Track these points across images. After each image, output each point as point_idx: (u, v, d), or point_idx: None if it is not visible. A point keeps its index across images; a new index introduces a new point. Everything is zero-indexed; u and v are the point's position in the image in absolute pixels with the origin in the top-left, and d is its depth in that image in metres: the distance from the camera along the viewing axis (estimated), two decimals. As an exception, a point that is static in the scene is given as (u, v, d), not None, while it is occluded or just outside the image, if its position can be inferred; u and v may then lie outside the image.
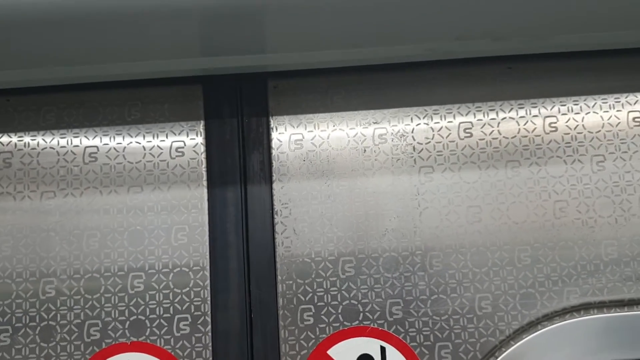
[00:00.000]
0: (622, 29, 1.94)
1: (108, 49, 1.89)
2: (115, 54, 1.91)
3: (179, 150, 2.01)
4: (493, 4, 1.77)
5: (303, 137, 2.02)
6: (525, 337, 1.92)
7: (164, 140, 2.02)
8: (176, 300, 1.93)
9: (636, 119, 2.02)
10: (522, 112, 2.03)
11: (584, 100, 2.04)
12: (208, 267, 1.95)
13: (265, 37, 1.90)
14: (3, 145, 2.02)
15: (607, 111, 2.03)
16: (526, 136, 2.01)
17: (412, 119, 2.03)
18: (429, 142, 2.02)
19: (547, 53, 2.03)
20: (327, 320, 1.93)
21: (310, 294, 1.94)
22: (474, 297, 1.93)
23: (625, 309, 1.93)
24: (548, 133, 2.02)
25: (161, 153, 2.01)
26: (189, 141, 2.02)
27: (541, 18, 1.84)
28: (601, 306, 1.93)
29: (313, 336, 1.92)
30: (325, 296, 1.94)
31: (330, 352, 1.91)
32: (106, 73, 2.00)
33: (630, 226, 1.96)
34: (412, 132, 2.02)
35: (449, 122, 2.02)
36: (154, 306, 1.93)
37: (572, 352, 1.91)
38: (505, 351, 1.91)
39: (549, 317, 1.92)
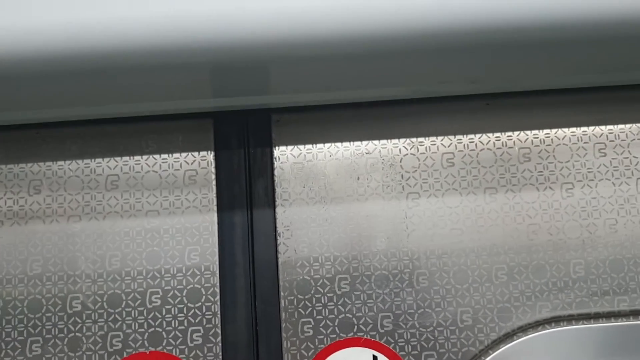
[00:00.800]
0: (589, 73, 2.09)
1: (129, 92, 2.02)
2: (136, 95, 2.05)
3: (192, 178, 2.19)
4: (466, 58, 1.93)
5: (303, 166, 2.18)
6: (502, 346, 2.06)
7: (178, 170, 2.19)
8: (190, 314, 2.10)
9: (601, 150, 2.18)
10: (498, 144, 2.19)
11: (555, 133, 2.19)
12: (218, 284, 2.10)
13: (270, 83, 2.03)
14: (33, 173, 2.19)
15: (575, 143, 2.19)
16: (502, 166, 2.17)
17: (400, 149, 2.19)
18: (416, 170, 2.18)
19: (521, 91, 2.18)
20: (325, 332, 2.09)
21: (310, 309, 2.10)
22: (456, 310, 2.09)
23: (591, 322, 2.08)
24: (522, 163, 2.18)
25: (175, 181, 2.18)
26: (200, 170, 2.19)
27: (513, 67, 1.99)
28: (570, 319, 2.09)
29: (313, 346, 2.07)
30: (323, 310, 2.10)
31: (327, 360, 2.09)
32: (127, 111, 2.15)
33: (596, 247, 2.11)
34: (401, 161, 2.18)
35: (433, 152, 2.19)
36: (170, 319, 2.09)
37: None
38: (484, 359, 2.06)
39: (523, 329, 2.07)
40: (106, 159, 2.20)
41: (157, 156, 2.20)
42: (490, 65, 1.98)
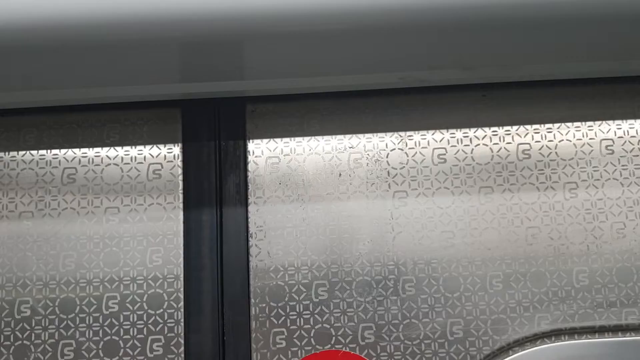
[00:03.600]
0: (596, 60, 1.91)
1: (88, 75, 1.86)
2: (96, 79, 1.88)
3: (157, 172, 1.98)
4: (459, 38, 1.75)
5: (279, 161, 1.99)
6: None
7: (141, 163, 1.99)
8: (150, 322, 1.90)
9: (609, 147, 1.99)
10: (495, 139, 2.00)
11: (558, 128, 2.01)
12: (182, 290, 1.91)
13: (244, 65, 1.87)
14: (-18, 165, 2.00)
15: (580, 139, 2.00)
16: (499, 163, 1.98)
17: (386, 144, 2.00)
18: (403, 167, 1.99)
19: (521, 81, 2.00)
20: (299, 343, 1.89)
21: (283, 317, 1.90)
22: (446, 322, 1.90)
23: (596, 336, 1.89)
24: (521, 160, 1.99)
25: (138, 175, 1.98)
26: (166, 164, 1.99)
27: (511, 50, 1.80)
28: (572, 332, 1.89)
29: (285, 359, 1.88)
30: (298, 319, 1.90)
31: (302, 375, 1.87)
32: (86, 97, 1.97)
33: (602, 253, 1.93)
34: (387, 157, 1.99)
35: (423, 148, 1.99)
36: (128, 327, 1.90)
37: (544, 377, 1.88)
38: None
39: (520, 343, 1.88)
40: (63, 151, 2.02)
41: (119, 148, 2.02)
42: (486, 48, 1.79)
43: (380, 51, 1.79)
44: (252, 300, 1.91)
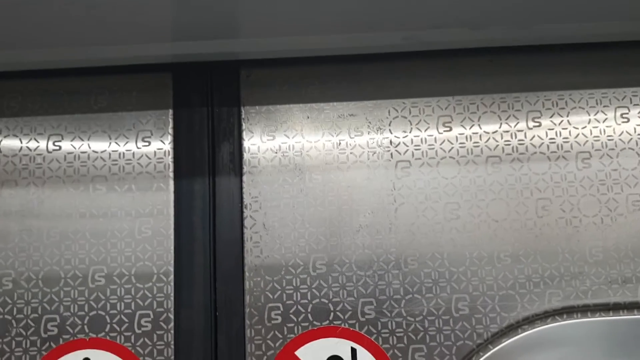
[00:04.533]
0: (610, 20, 1.79)
1: (73, 32, 1.75)
2: (81, 37, 1.77)
3: (146, 140, 1.86)
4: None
5: (276, 129, 1.87)
6: (505, 341, 1.75)
7: (130, 130, 1.87)
8: (138, 296, 1.78)
9: (624, 115, 1.86)
10: (504, 107, 1.87)
11: (570, 95, 1.88)
12: (172, 262, 1.79)
13: (238, 20, 1.75)
14: (-36, 132, 1.88)
15: (593, 107, 1.87)
16: (508, 131, 1.86)
17: (389, 111, 1.88)
18: (407, 135, 1.86)
19: (531, 45, 1.87)
20: (295, 319, 1.77)
21: (279, 292, 1.78)
22: (451, 297, 1.77)
23: (610, 314, 1.77)
24: (531, 128, 1.86)
25: (127, 142, 1.86)
26: (156, 131, 1.87)
27: (522, 5, 1.68)
28: (585, 310, 1.77)
29: (281, 336, 1.76)
30: (294, 294, 1.78)
31: (298, 352, 1.75)
32: (72, 58, 1.85)
33: (617, 226, 1.80)
34: (389, 125, 1.87)
35: (427, 115, 1.87)
36: (115, 301, 1.78)
37: (554, 358, 1.74)
38: (483, 355, 1.75)
39: (530, 321, 1.76)
40: (49, 117, 1.90)
41: (107, 114, 1.89)
42: (494, 3, 1.64)
43: (382, 4, 1.66)
44: (246, 274, 1.79)
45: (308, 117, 1.88)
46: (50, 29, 1.72)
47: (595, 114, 1.87)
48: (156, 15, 1.68)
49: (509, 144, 1.85)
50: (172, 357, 1.75)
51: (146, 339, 1.76)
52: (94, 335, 1.76)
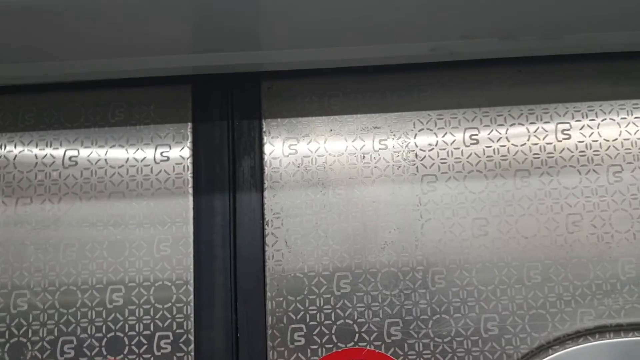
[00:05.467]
0: (641, 29, 1.72)
1: (92, 45, 1.70)
2: (100, 50, 1.72)
3: (164, 154, 1.79)
4: (497, 3, 1.55)
5: (298, 142, 1.80)
6: None
7: (148, 144, 1.80)
8: (157, 317, 1.71)
9: (656, 127, 1.79)
10: (532, 118, 1.80)
11: (600, 106, 1.80)
12: (192, 282, 1.72)
13: (260, 32, 1.70)
14: (-23, 147, 1.82)
15: (624, 118, 1.80)
16: (537, 144, 1.78)
17: (414, 124, 1.80)
18: (432, 149, 1.79)
19: (560, 55, 1.80)
20: (319, 341, 1.70)
21: (302, 312, 1.71)
22: (480, 317, 1.70)
23: (644, 333, 1.71)
24: (560, 141, 1.78)
25: (145, 157, 1.79)
26: (174, 145, 1.80)
27: (553, 15, 1.61)
28: (618, 329, 1.70)
29: (304, 358, 1.69)
30: (318, 315, 1.71)
31: (322, 375, 1.68)
32: (90, 70, 1.79)
33: (650, 242, 1.73)
34: (415, 138, 1.79)
35: (453, 127, 1.80)
36: (134, 322, 1.71)
37: (586, 377, 1.68)
38: None
39: (561, 341, 1.69)
40: (65, 131, 1.83)
41: (124, 128, 1.83)
42: (523, 11, 1.56)
43: (409, 15, 1.60)
44: (268, 294, 1.72)
45: (331, 130, 1.80)
46: (67, 41, 1.67)
47: (626, 126, 1.79)
48: (176, 27, 1.62)
49: (537, 157, 1.78)
50: (193, 380, 1.68)
51: (166, 361, 1.69)
52: (112, 358, 1.70)
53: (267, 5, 1.57)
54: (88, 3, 1.53)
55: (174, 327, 1.71)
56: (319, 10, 1.57)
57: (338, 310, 1.71)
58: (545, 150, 1.78)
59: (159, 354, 1.69)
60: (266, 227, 1.75)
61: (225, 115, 1.81)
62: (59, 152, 1.81)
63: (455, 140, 1.79)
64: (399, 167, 1.78)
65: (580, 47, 1.78)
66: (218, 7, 1.56)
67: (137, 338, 1.70)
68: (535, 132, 1.79)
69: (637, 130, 1.79)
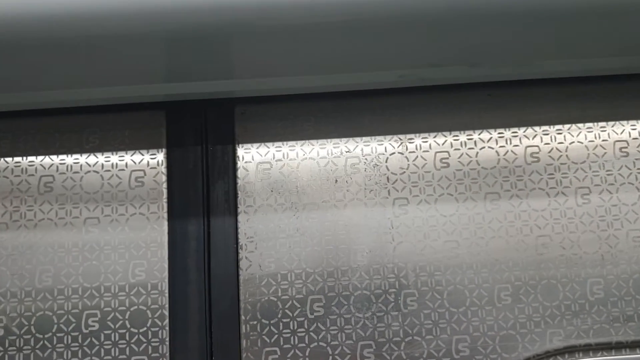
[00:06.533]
0: (607, 56, 1.72)
1: (66, 75, 1.67)
2: (75, 80, 1.69)
3: (139, 180, 1.79)
4: (465, 34, 1.56)
5: (271, 167, 1.80)
6: None
7: (123, 170, 1.79)
8: (133, 341, 1.70)
9: (623, 149, 1.80)
10: (502, 142, 1.80)
11: (568, 129, 1.81)
12: (167, 306, 1.72)
13: (233, 62, 1.68)
14: (-47, 174, 1.81)
15: (592, 141, 1.80)
16: (506, 167, 1.79)
17: (386, 147, 1.81)
18: (404, 172, 1.79)
19: (529, 79, 1.80)
20: (293, 363, 1.70)
21: (276, 336, 1.71)
22: (451, 338, 1.70)
23: (612, 352, 1.70)
24: (530, 164, 1.79)
25: (120, 183, 1.79)
26: (149, 171, 1.79)
27: (520, 45, 1.62)
28: (587, 349, 1.70)
29: (278, 380, 1.70)
30: (292, 338, 1.71)
31: (296, 397, 1.68)
32: (64, 99, 1.78)
33: (618, 263, 1.73)
34: (386, 161, 1.80)
35: (424, 151, 1.80)
36: (109, 347, 1.70)
37: (556, 397, 1.69)
38: None
39: (531, 361, 1.70)
40: (40, 157, 1.82)
41: (99, 154, 1.82)
42: (492, 43, 1.58)
43: (378, 47, 1.60)
44: (242, 317, 1.72)
45: (304, 154, 1.81)
46: (42, 73, 1.64)
47: (594, 149, 1.80)
48: (150, 60, 1.61)
49: (507, 180, 1.79)
50: (168, 404, 1.68)
51: (141, 386, 1.69)
52: (88, 382, 1.69)
53: (239, 38, 1.56)
54: (62, 38, 1.52)
55: (150, 351, 1.70)
56: (290, 43, 1.57)
57: (312, 333, 1.71)
58: (514, 173, 1.79)
59: (135, 378, 1.69)
60: (240, 251, 1.75)
61: (199, 140, 1.81)
62: (34, 179, 1.80)
63: (426, 163, 1.80)
64: (371, 190, 1.79)
65: (549, 72, 1.79)
66: (191, 40, 1.56)
67: (113, 363, 1.70)
68: (504, 155, 1.80)
69: (605, 153, 1.80)
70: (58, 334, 1.71)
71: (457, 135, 1.81)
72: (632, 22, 1.60)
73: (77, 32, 1.53)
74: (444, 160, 1.80)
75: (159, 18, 1.52)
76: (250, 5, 1.51)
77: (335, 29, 1.56)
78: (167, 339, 1.70)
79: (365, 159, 1.80)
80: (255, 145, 1.81)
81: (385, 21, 1.54)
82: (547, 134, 1.81)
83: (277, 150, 1.81)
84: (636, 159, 1.79)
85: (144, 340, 1.70)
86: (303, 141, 1.81)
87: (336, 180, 1.79)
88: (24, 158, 1.81)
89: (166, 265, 1.74)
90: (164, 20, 1.52)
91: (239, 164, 1.80)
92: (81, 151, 1.81)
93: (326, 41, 1.59)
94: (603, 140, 1.80)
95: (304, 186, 1.79)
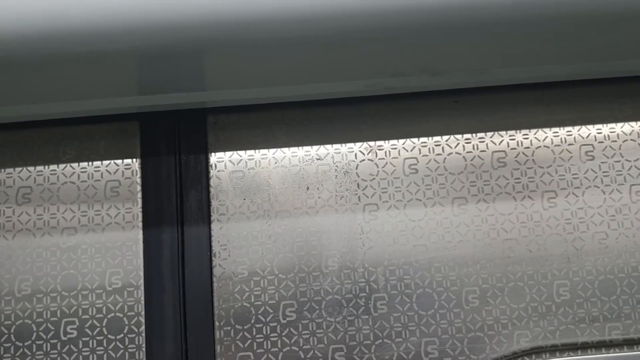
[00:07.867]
0: (572, 62, 1.74)
1: (42, 89, 1.69)
2: (50, 93, 1.71)
3: (114, 190, 1.81)
4: (425, 46, 1.58)
5: (244, 175, 1.82)
6: None
7: (99, 180, 1.82)
8: (110, 348, 1.73)
9: (588, 153, 1.81)
10: (469, 147, 1.82)
11: (534, 134, 1.83)
12: (143, 313, 1.74)
13: (205, 75, 1.70)
14: None
15: (558, 145, 1.82)
16: (473, 172, 1.81)
17: (356, 155, 1.83)
18: (374, 178, 1.81)
19: (495, 86, 1.82)
20: (266, 367, 1.73)
21: (250, 340, 1.73)
22: (420, 341, 1.73)
23: (578, 353, 1.72)
24: (496, 169, 1.81)
25: (96, 193, 1.81)
26: (124, 180, 1.81)
27: (481, 54, 1.63)
28: (554, 350, 1.72)
29: (252, 384, 1.72)
30: (265, 342, 1.73)
31: (269, 400, 1.71)
32: (40, 112, 1.80)
33: (583, 265, 1.75)
34: (357, 168, 1.82)
35: (393, 158, 1.82)
36: (87, 353, 1.73)
37: (524, 396, 1.71)
38: None
39: (499, 362, 1.72)
40: (17, 169, 1.84)
41: (75, 165, 1.84)
42: (453, 53, 1.60)
43: (345, 58, 1.62)
44: (217, 323, 1.74)
45: (276, 162, 1.83)
46: (18, 87, 1.67)
47: (560, 153, 1.82)
48: (123, 75, 1.63)
49: (474, 185, 1.80)
50: (145, 408, 1.71)
51: (118, 391, 1.72)
52: (67, 389, 1.72)
53: (210, 53, 1.58)
54: (37, 55, 1.55)
55: (127, 357, 1.72)
56: (260, 56, 1.59)
57: (284, 338, 1.73)
58: (481, 178, 1.81)
59: (112, 384, 1.72)
60: (214, 258, 1.77)
61: (173, 150, 1.83)
62: (12, 190, 1.82)
63: (395, 169, 1.82)
64: (342, 197, 1.81)
65: (515, 78, 1.81)
66: (162, 56, 1.58)
67: (91, 369, 1.73)
68: (471, 160, 1.82)
69: (571, 157, 1.81)
70: (37, 342, 1.74)
71: (425, 142, 1.83)
72: (594, 29, 1.61)
73: (51, 49, 1.55)
74: (412, 167, 1.81)
75: (131, 35, 1.55)
76: (220, 21, 1.53)
77: (303, 42, 1.58)
78: (144, 345, 1.73)
79: (336, 166, 1.82)
80: (228, 153, 1.83)
81: (351, 35, 1.56)
82: (514, 139, 1.82)
83: (249, 158, 1.83)
84: (601, 162, 1.81)
85: (121, 346, 1.73)
86: (275, 149, 1.83)
87: (308, 188, 1.81)
88: (2, 170, 1.83)
89: (142, 273, 1.76)
90: (136, 38, 1.55)
91: (212, 172, 1.82)
92: (58, 162, 1.83)
93: (296, 53, 1.61)
94: (569, 144, 1.82)
95: (276, 193, 1.81)
